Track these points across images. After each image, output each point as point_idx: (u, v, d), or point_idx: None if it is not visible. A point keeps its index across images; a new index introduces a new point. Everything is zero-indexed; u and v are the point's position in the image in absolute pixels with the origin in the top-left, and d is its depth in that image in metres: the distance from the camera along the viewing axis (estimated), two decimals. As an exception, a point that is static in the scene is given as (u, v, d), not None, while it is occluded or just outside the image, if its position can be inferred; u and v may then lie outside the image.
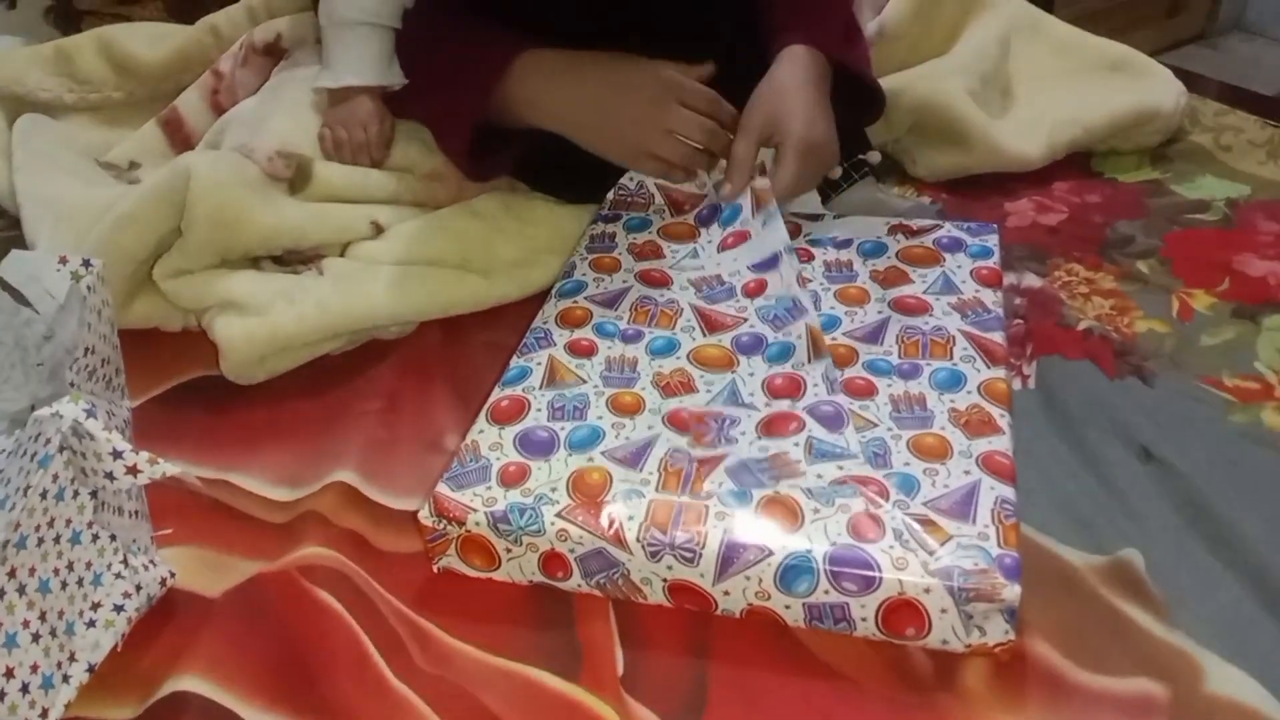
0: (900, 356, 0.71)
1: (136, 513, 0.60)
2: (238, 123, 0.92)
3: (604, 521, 0.59)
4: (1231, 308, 0.85)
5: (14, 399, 0.65)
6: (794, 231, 0.85)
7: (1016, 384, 0.76)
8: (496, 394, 0.70)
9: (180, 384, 0.78)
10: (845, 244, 0.83)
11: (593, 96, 0.80)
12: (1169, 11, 2.78)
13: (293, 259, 0.81)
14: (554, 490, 0.61)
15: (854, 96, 0.88)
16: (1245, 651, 0.58)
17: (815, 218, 0.87)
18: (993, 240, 0.83)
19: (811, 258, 0.82)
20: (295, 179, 0.84)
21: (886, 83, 0.99)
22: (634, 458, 0.63)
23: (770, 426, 0.66)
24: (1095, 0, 2.46)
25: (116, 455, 0.53)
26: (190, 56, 1.06)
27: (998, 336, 0.73)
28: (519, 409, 0.68)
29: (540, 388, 0.70)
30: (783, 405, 0.68)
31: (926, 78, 0.99)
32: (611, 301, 0.78)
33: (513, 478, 0.62)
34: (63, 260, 0.61)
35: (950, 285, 0.78)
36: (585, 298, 0.78)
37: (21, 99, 1.04)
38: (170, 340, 0.81)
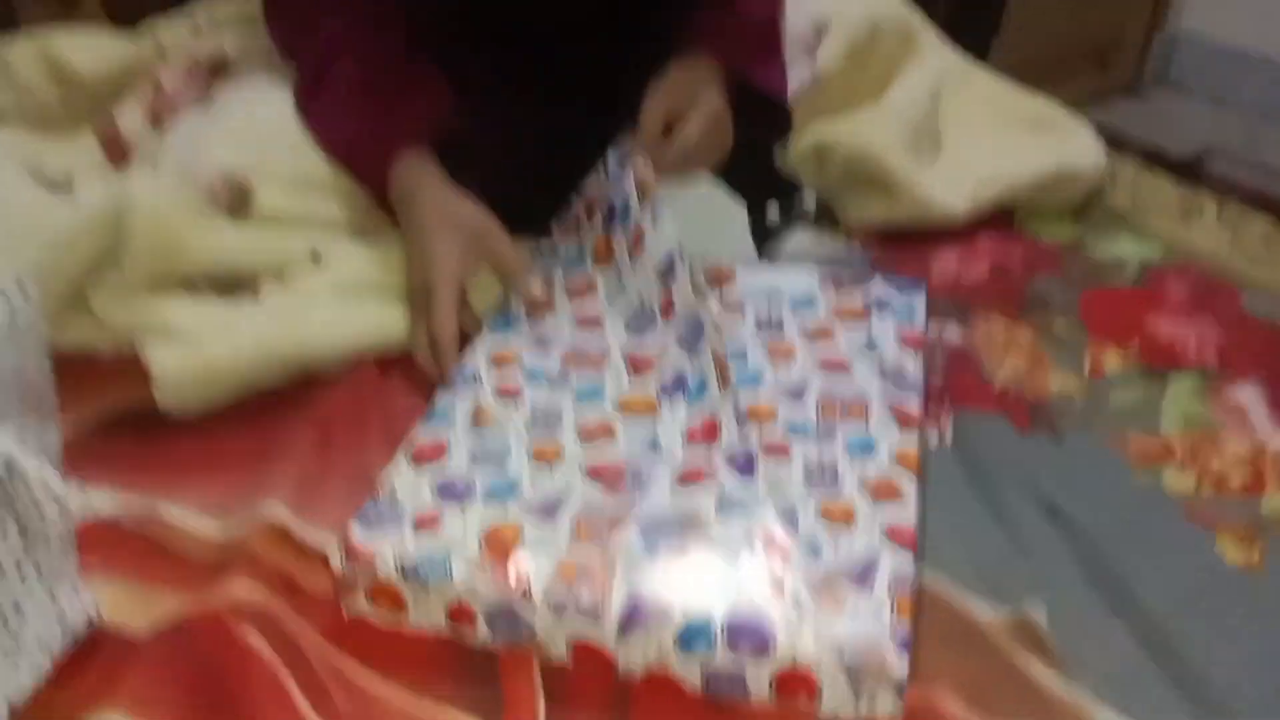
0: (818, 418, 0.74)
1: (64, 547, 0.60)
2: (178, 141, 0.91)
3: (511, 577, 0.60)
4: (1140, 368, 0.89)
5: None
6: (726, 277, 0.88)
7: (934, 439, 0.79)
8: (418, 433, 0.71)
9: (112, 411, 0.77)
10: (775, 296, 0.85)
11: (415, 239, 0.83)
12: (1099, 64, 2.88)
13: (230, 286, 0.81)
14: (465, 542, 0.62)
15: (760, 114, 0.92)
16: (1137, 707, 0.61)
17: (748, 259, 0.89)
18: (919, 300, 0.86)
19: (743, 309, 0.84)
20: (236, 203, 0.84)
21: (820, 130, 1.02)
22: (548, 510, 0.65)
23: (685, 478, 0.68)
24: (1028, 50, 2.54)
25: (46, 488, 0.53)
26: (131, 68, 1.05)
27: (913, 402, 0.76)
28: (438, 451, 0.69)
29: (463, 430, 0.71)
30: (699, 453, 0.69)
31: (859, 126, 1.02)
32: (543, 343, 0.80)
33: (426, 524, 0.63)
34: (-4, 289, 0.61)
35: (874, 346, 0.81)
36: (517, 338, 0.80)
37: (-48, 104, 1.03)
38: (103, 366, 0.81)
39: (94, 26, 1.13)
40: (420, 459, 0.68)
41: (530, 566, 0.60)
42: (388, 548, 0.61)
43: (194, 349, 0.75)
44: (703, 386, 0.74)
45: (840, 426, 0.73)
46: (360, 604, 0.63)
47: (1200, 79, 2.98)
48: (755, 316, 0.84)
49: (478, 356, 0.78)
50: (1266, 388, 0.87)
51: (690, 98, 0.87)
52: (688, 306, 0.78)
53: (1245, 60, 2.87)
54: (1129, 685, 0.63)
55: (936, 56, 1.14)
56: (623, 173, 0.87)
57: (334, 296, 0.82)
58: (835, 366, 0.79)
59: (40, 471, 0.53)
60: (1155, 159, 1.19)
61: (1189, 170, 1.18)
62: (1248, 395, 0.86)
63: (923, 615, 0.65)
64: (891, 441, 0.72)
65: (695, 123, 0.85)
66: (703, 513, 0.65)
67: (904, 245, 1.01)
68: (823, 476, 0.69)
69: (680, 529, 0.63)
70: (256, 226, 0.83)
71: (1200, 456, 0.80)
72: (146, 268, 0.77)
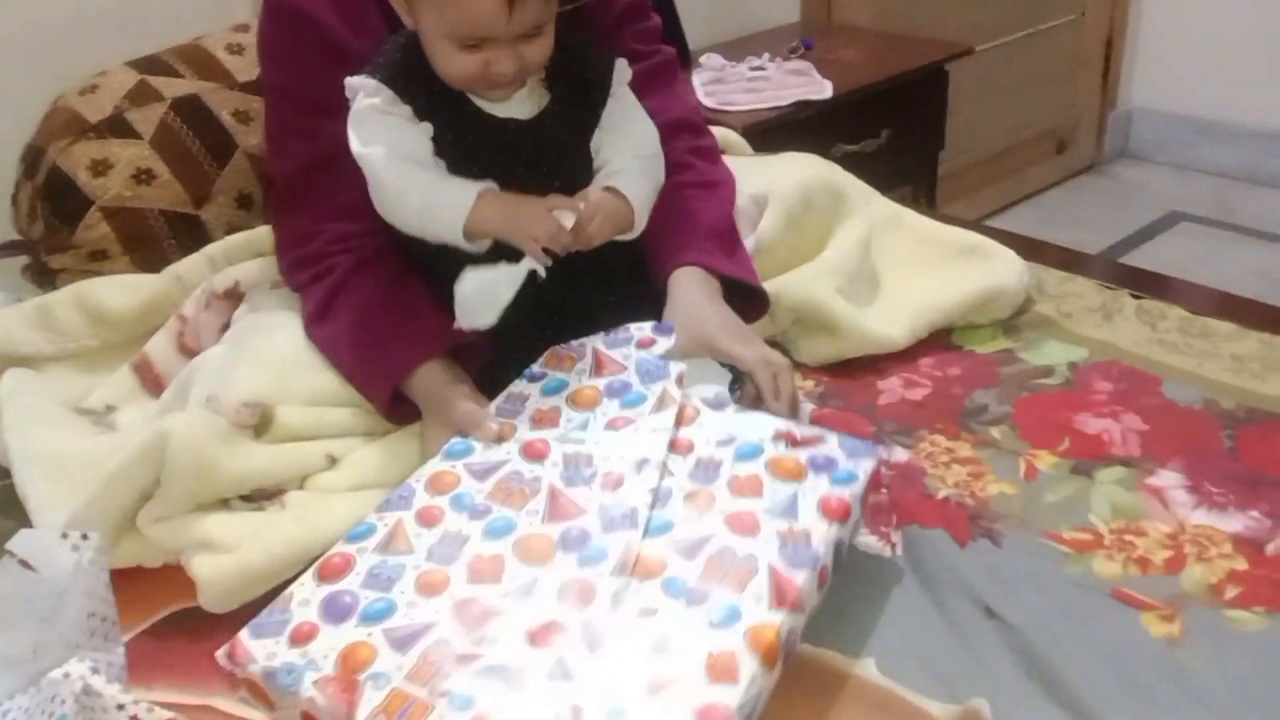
0: (700, 579, 0.75)
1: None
2: (204, 372, 1.04)
3: (347, 698, 0.68)
4: (1071, 465, 0.99)
5: (18, 644, 0.76)
6: (691, 416, 0.91)
7: (886, 551, 0.88)
8: (335, 547, 0.79)
9: (163, 617, 0.89)
10: (727, 442, 0.87)
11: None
12: (1058, 148, 3.03)
13: (258, 497, 0.94)
14: (325, 658, 0.70)
15: (743, 300, 1.04)
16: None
17: (720, 404, 0.92)
18: (866, 466, 0.85)
19: (691, 449, 0.87)
20: (259, 424, 0.97)
21: (766, 286, 1.15)
22: (405, 641, 0.71)
23: (536, 636, 0.72)
24: (985, 147, 2.69)
25: (120, 708, 0.64)
26: (158, 304, 1.19)
27: (801, 576, 0.75)
28: (343, 568, 0.78)
29: (373, 550, 0.79)
30: (564, 611, 0.74)
31: (801, 281, 1.15)
32: (484, 472, 0.85)
33: (300, 638, 0.72)
34: (64, 535, 0.73)
35: (790, 509, 0.80)
36: (464, 463, 0.86)
37: (6, 355, 1.17)
38: (152, 575, 0.92)
39: (122, 273, 1.27)
40: (323, 575, 0.77)
41: (367, 692, 0.68)
42: (262, 653, 0.71)
43: (230, 556, 0.87)
44: (598, 555, 0.77)
45: (716, 590, 0.74)
46: (244, 695, 0.73)
47: (1162, 150, 3.12)
48: (697, 458, 0.86)
49: (420, 477, 0.86)
50: (1186, 470, 0.97)
51: (717, 330, 0.98)
52: (634, 500, 0.82)
53: (1201, 127, 3.01)
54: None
55: (867, 209, 1.27)
56: (657, 374, 0.93)
57: (349, 493, 0.94)
58: (743, 526, 0.79)
59: (111, 691, 0.64)
60: (1078, 264, 1.31)
61: (1109, 270, 1.29)
62: (1168, 479, 0.96)
63: (882, 716, 0.74)
64: (753, 618, 0.72)
65: (785, 386, 0.95)
66: (530, 675, 0.69)
67: (852, 375, 1.13)
68: (667, 647, 0.71)
69: (505, 686, 0.68)
70: (278, 444, 0.95)
71: (1126, 541, 0.89)
72: (186, 492, 0.90)
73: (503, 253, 0.95)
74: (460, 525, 0.81)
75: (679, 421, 0.89)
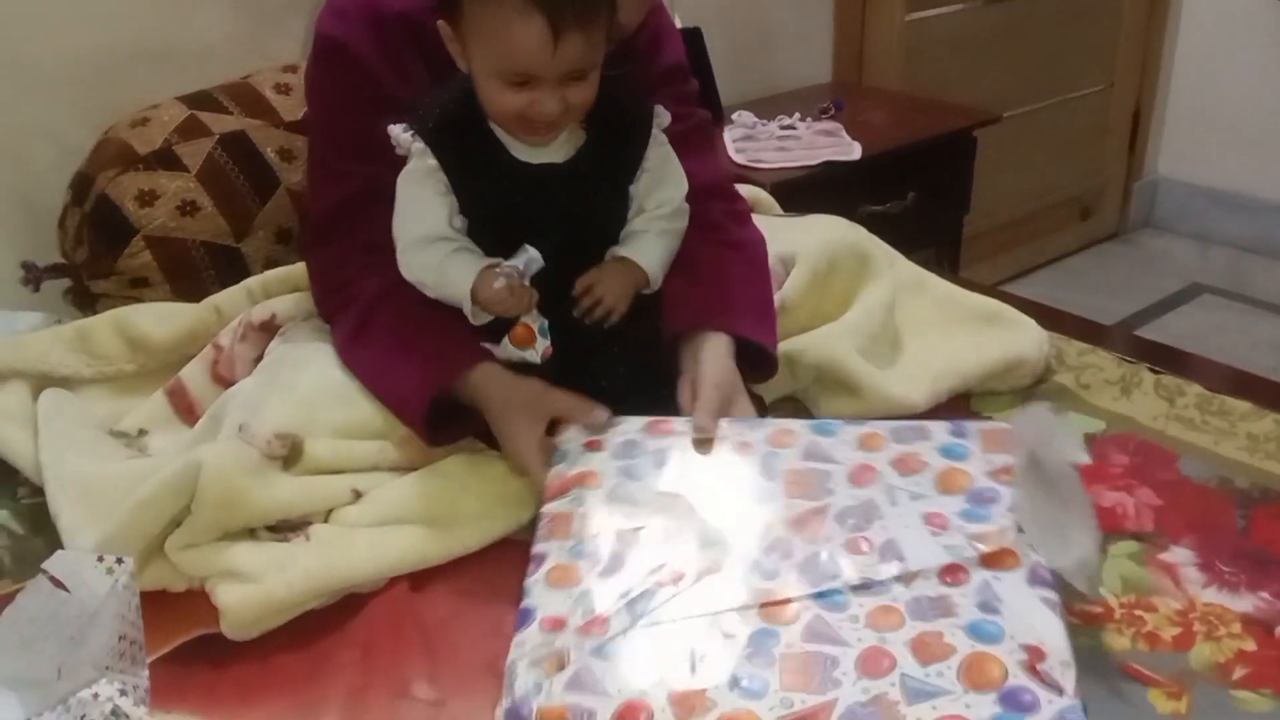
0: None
1: (156, 770, 0.72)
2: (237, 401, 1.07)
3: None
4: (1084, 537, 0.99)
5: (43, 664, 0.78)
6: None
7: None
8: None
9: (185, 642, 0.90)
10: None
11: (497, 434, 1.01)
12: (1082, 215, 3.05)
13: (284, 528, 0.96)
14: None
15: (754, 361, 1.06)
16: None
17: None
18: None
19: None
20: (289, 456, 0.99)
21: (790, 344, 1.17)
22: None
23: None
24: (1010, 211, 2.72)
25: (145, 729, 0.66)
26: (196, 333, 1.22)
27: None
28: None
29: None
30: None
31: (823, 340, 1.16)
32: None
33: None
34: (100, 558, 0.75)
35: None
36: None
37: (45, 375, 1.20)
38: (175, 600, 0.94)
39: (161, 301, 1.30)
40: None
41: None
42: None
43: (256, 585, 0.89)
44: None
45: None
46: None
47: (1184, 220, 3.14)
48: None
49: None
50: (1198, 547, 0.97)
51: (737, 398, 1.02)
52: None
53: (1223, 199, 3.04)
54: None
55: (891, 272, 1.29)
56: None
57: (373, 527, 0.96)
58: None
59: (139, 713, 0.66)
60: (1099, 336, 1.32)
61: (1131, 344, 1.30)
62: (1180, 556, 0.97)
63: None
64: None
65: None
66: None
67: (871, 437, 1.14)
68: None
69: None
70: (305, 478, 0.98)
71: (1136, 616, 0.90)
72: (214, 521, 0.92)
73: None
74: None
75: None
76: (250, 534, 0.95)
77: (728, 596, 0.81)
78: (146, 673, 0.77)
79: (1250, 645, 0.87)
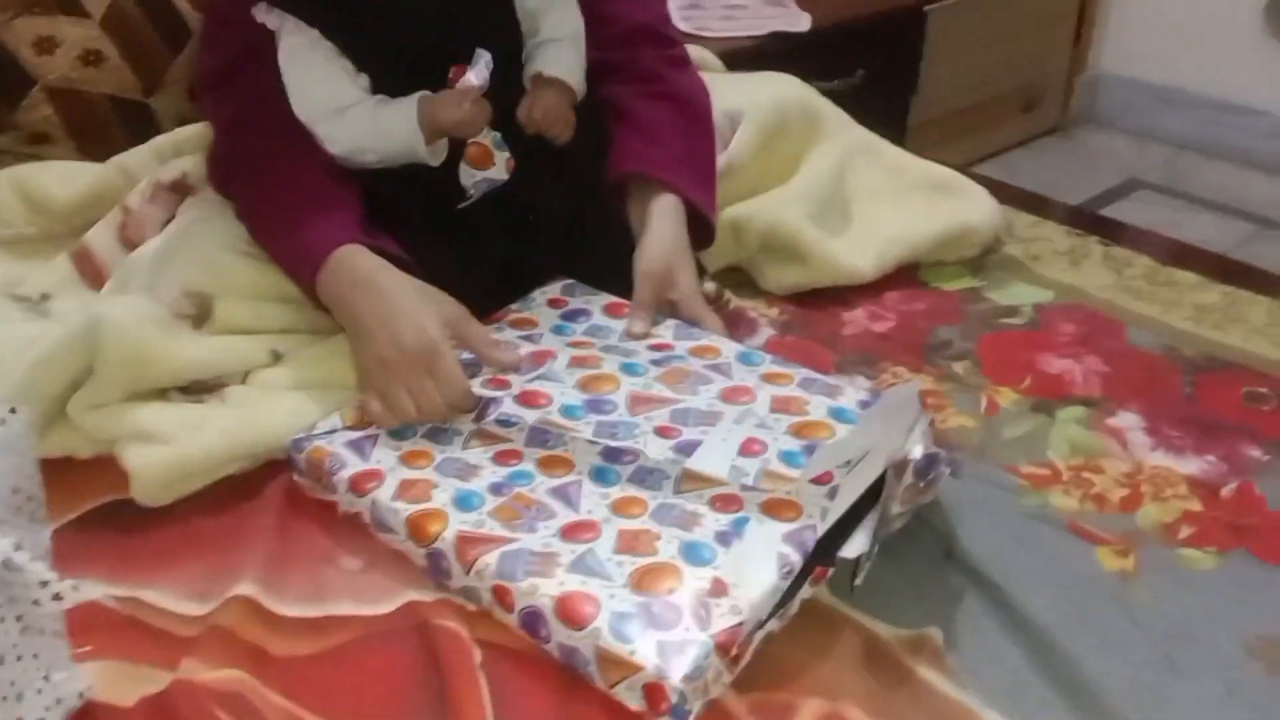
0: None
1: (57, 632, 0.67)
2: (145, 261, 1.00)
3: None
4: (1031, 403, 0.98)
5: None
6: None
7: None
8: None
9: (93, 508, 0.85)
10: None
11: (365, 325, 0.88)
12: (1025, 108, 3.02)
13: (197, 389, 0.90)
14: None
15: (696, 229, 1.01)
16: (1020, 710, 0.69)
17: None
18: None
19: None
20: (199, 315, 0.92)
21: (736, 209, 1.12)
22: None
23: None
24: (954, 101, 2.67)
25: (43, 584, 0.60)
26: (101, 194, 1.13)
27: None
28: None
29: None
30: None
31: (771, 204, 1.12)
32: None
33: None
34: (-11, 409, 0.69)
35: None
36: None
37: (-62, 237, 1.11)
38: (82, 466, 0.88)
39: (65, 160, 1.21)
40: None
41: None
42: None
43: (168, 446, 0.83)
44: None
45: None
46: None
47: (1124, 116, 3.12)
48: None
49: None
50: (1144, 413, 0.96)
51: (680, 269, 0.98)
52: None
53: (1165, 95, 3.02)
54: (1017, 692, 0.71)
55: (843, 135, 1.24)
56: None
57: (294, 389, 0.91)
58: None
59: (34, 567, 0.61)
60: (1048, 209, 1.30)
61: (1080, 217, 1.28)
62: (1128, 420, 0.95)
63: (830, 632, 0.73)
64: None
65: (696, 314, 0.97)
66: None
67: (817, 305, 1.11)
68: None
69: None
70: (220, 337, 0.91)
71: (1084, 478, 0.89)
72: (121, 380, 0.85)
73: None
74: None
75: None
76: (161, 395, 0.89)
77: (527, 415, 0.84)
78: (48, 531, 0.72)
79: (1196, 506, 0.86)
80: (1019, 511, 0.86)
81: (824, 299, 1.11)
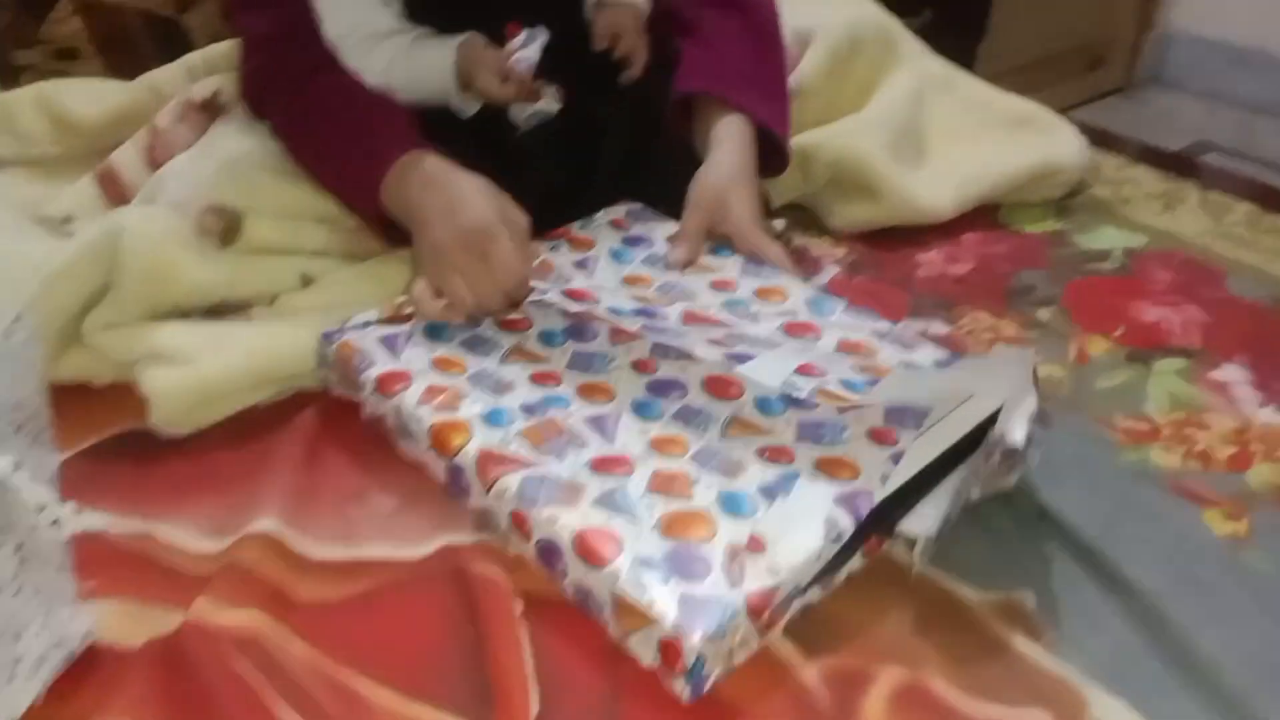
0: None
1: (61, 566, 0.61)
2: (171, 177, 0.94)
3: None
4: (1125, 352, 0.89)
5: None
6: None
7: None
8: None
9: (108, 437, 0.79)
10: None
11: (425, 217, 0.81)
12: (1090, 65, 2.90)
13: (222, 311, 0.83)
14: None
15: (766, 153, 0.93)
16: (1127, 686, 0.61)
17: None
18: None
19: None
20: (226, 232, 0.86)
21: (803, 138, 1.04)
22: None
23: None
24: (1018, 55, 2.56)
25: (41, 509, 0.54)
26: (129, 114, 1.08)
27: None
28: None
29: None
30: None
31: (842, 133, 1.03)
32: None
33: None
34: (-8, 317, 0.63)
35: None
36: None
37: (-41, 154, 1.06)
38: (99, 394, 0.82)
39: (92, 77, 1.15)
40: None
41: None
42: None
43: (188, 368, 0.77)
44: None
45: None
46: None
47: (1193, 76, 2.99)
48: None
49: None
50: (1251, 366, 0.87)
51: (738, 201, 0.89)
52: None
53: (1237, 55, 2.88)
54: (1119, 664, 0.63)
55: (918, 64, 1.15)
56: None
57: (325, 314, 0.84)
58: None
59: (35, 491, 0.55)
60: (1143, 154, 1.20)
61: (1176, 162, 1.18)
62: (1233, 374, 0.87)
63: (909, 595, 0.66)
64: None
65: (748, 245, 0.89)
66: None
67: (889, 246, 1.02)
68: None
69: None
70: (247, 256, 0.85)
71: (1186, 434, 0.80)
72: (140, 296, 0.79)
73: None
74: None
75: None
76: (183, 317, 0.83)
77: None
78: (55, 457, 0.66)
79: (1314, 467, 0.77)
80: (1116, 469, 0.77)
81: (896, 239, 1.03)
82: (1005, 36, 2.35)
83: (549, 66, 0.88)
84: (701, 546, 0.62)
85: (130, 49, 1.19)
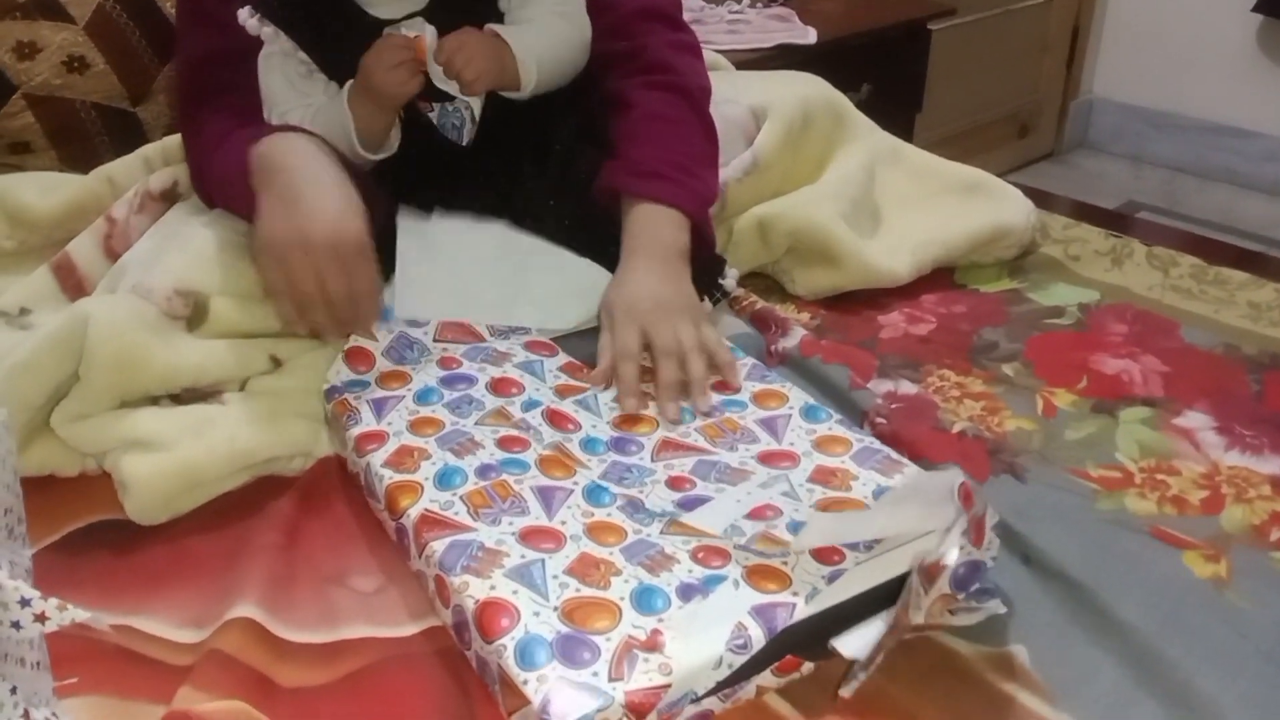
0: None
1: (38, 663, 0.59)
2: (133, 264, 0.93)
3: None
4: (1091, 403, 0.91)
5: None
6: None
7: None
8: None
9: (78, 529, 0.77)
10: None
11: (287, 194, 0.82)
12: (1020, 133, 3.00)
13: (191, 397, 0.82)
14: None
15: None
16: (1126, 728, 0.62)
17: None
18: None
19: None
20: (193, 316, 0.85)
21: (763, 209, 1.06)
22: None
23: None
24: (952, 125, 2.64)
25: (24, 603, 0.52)
26: (85, 206, 1.07)
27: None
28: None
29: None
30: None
31: (800, 203, 1.06)
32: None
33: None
34: (-38, 411, 0.61)
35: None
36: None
37: (-86, 250, 1.03)
38: (66, 485, 0.80)
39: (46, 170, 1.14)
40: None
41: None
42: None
43: (168, 454, 0.75)
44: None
45: None
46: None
47: (1117, 140, 3.11)
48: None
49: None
50: (1214, 411, 0.90)
51: (661, 321, 0.85)
52: None
53: (1156, 119, 3.01)
54: (1116, 709, 0.63)
55: (868, 137, 1.19)
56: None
57: (300, 397, 0.83)
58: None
59: (18, 587, 0.53)
60: (1083, 214, 1.24)
61: (1115, 220, 1.22)
62: (1196, 420, 0.89)
63: (904, 650, 0.66)
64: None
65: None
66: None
67: (851, 310, 1.04)
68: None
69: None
70: (216, 340, 0.84)
71: (1159, 480, 0.82)
72: (109, 385, 0.77)
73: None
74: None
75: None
76: (152, 404, 0.81)
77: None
78: (28, 551, 0.64)
79: (1283, 507, 0.79)
80: (1095, 516, 0.79)
81: (856, 302, 1.05)
82: (939, 108, 2.43)
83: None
84: (596, 637, 0.60)
85: (84, 142, 1.18)
